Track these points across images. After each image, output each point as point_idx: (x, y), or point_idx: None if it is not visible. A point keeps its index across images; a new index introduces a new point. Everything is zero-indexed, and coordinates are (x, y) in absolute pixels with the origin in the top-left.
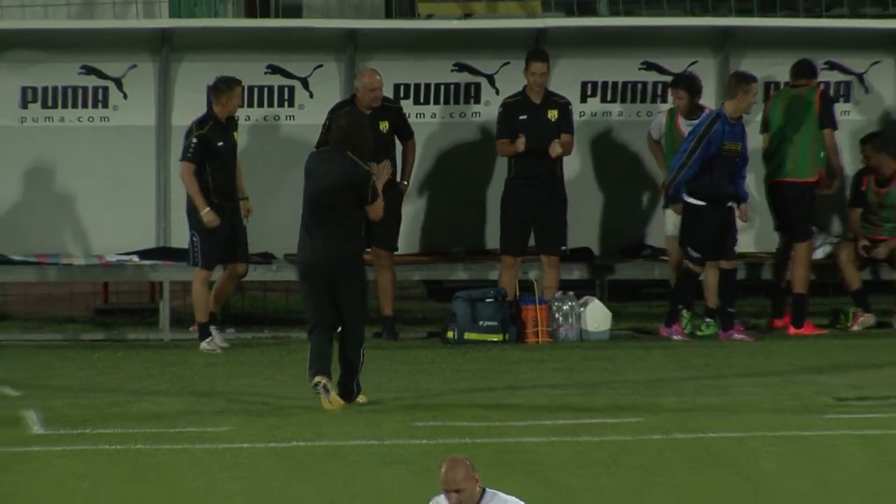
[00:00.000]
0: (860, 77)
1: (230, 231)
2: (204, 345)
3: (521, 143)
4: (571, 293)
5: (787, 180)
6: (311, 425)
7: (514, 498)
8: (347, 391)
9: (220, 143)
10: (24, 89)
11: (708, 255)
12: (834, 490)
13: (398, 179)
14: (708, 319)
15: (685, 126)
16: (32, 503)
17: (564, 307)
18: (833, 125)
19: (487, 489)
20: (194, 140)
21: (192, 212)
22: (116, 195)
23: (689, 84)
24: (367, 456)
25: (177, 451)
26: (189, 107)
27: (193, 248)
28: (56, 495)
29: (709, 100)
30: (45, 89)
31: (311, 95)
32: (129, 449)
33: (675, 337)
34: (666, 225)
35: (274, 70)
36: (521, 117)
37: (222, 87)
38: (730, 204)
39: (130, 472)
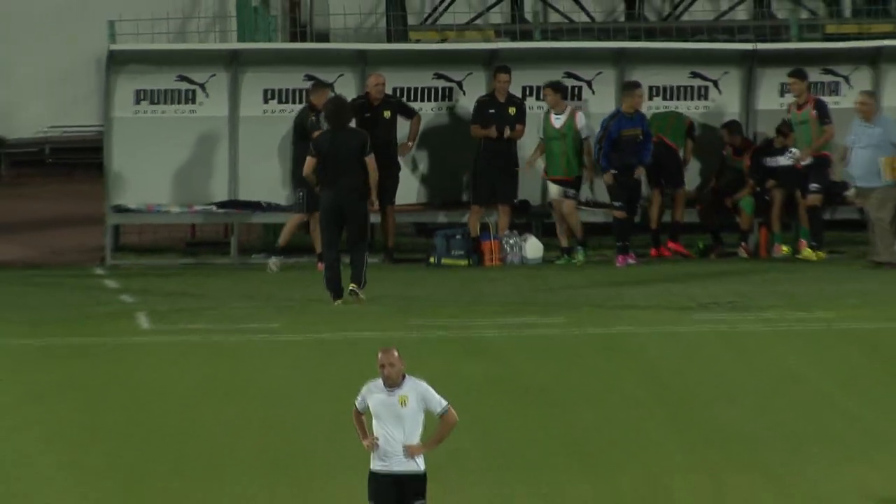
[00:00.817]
0: (715, 83)
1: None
2: (273, 259)
3: (492, 131)
4: (516, 231)
5: (672, 145)
6: (335, 322)
7: (424, 383)
8: (358, 279)
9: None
10: (136, 91)
11: (631, 209)
12: (698, 367)
13: (407, 142)
14: (579, 248)
15: (554, 117)
16: (138, 380)
17: (511, 241)
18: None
19: (408, 375)
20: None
21: (303, 180)
22: (200, 163)
23: (556, 85)
24: (375, 343)
25: (242, 342)
26: (250, 103)
27: (299, 199)
28: (156, 375)
29: (612, 100)
30: (151, 91)
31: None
32: (209, 340)
33: (630, 262)
34: (550, 192)
35: (309, 77)
36: (490, 111)
37: (317, 88)
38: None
39: (209, 357)
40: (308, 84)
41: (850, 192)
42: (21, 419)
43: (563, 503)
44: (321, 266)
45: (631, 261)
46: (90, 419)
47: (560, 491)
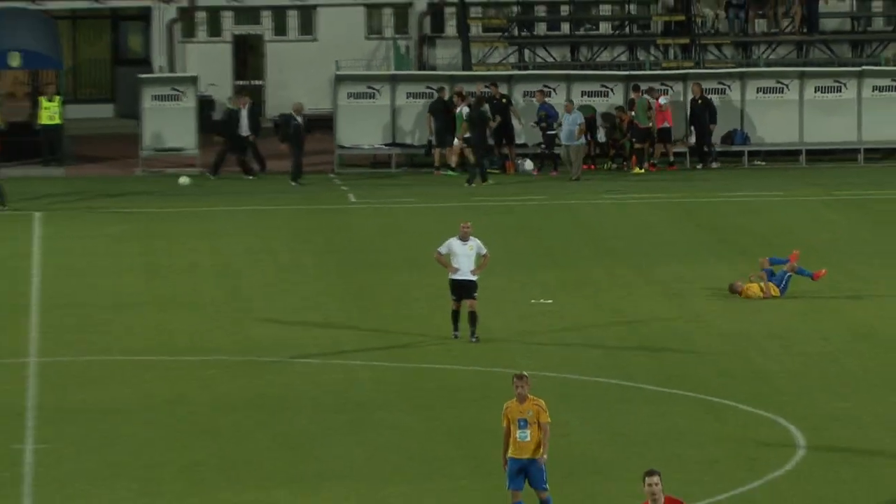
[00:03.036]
0: (612, 89)
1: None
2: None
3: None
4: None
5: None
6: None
7: (479, 240)
8: (483, 176)
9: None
10: (348, 92)
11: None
12: (599, 228)
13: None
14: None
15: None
16: (348, 235)
17: (518, 161)
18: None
19: (471, 237)
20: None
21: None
22: (384, 124)
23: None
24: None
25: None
26: (401, 97)
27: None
28: (363, 224)
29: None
30: (356, 93)
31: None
32: (388, 207)
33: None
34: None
35: (437, 88)
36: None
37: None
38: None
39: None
40: (434, 90)
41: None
42: (305, 243)
43: None
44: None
45: (554, 173)
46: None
47: None
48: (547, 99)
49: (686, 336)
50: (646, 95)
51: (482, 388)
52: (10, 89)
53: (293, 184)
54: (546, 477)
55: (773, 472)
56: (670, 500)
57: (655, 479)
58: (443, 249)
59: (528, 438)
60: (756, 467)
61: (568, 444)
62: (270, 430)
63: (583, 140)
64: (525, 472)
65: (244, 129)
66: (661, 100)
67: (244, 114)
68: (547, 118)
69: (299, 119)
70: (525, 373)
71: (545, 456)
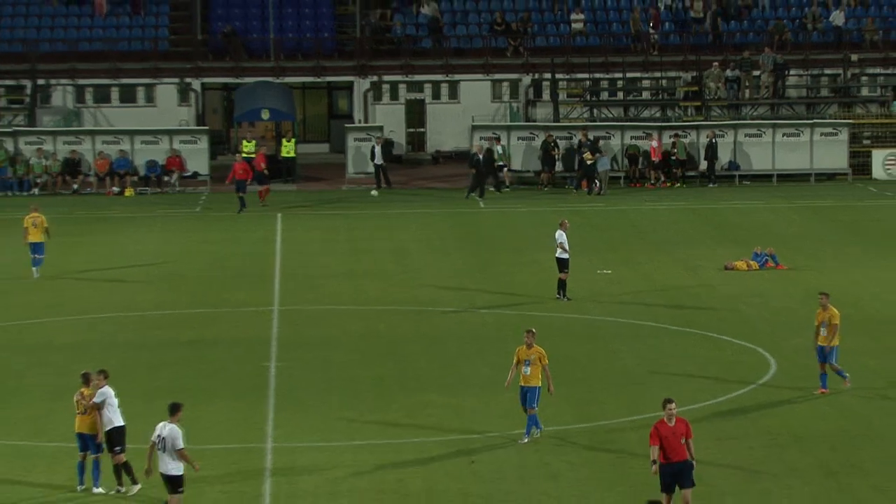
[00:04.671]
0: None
1: None
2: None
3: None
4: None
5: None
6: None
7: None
8: (482, 192)
9: None
10: (472, 129)
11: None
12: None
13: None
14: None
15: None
16: (478, 229)
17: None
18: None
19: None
20: None
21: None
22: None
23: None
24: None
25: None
26: (514, 138)
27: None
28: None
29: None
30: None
31: None
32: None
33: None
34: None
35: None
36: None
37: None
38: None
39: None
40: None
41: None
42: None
43: None
44: None
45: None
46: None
47: None
48: (602, 142)
49: (697, 295)
50: (681, 139)
51: (566, 327)
52: (262, 133)
53: (475, 197)
54: (537, 401)
55: (755, 382)
56: (680, 420)
57: (673, 405)
58: (557, 237)
59: (530, 373)
60: (743, 379)
61: (620, 365)
62: (428, 354)
63: (607, 167)
64: (525, 394)
65: (378, 158)
66: (654, 143)
67: (378, 150)
68: (589, 148)
69: (480, 156)
70: (533, 329)
71: (552, 389)
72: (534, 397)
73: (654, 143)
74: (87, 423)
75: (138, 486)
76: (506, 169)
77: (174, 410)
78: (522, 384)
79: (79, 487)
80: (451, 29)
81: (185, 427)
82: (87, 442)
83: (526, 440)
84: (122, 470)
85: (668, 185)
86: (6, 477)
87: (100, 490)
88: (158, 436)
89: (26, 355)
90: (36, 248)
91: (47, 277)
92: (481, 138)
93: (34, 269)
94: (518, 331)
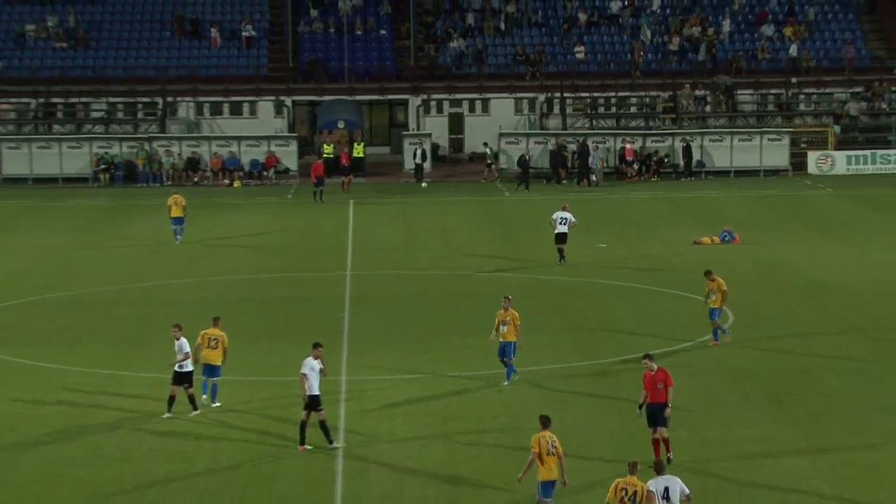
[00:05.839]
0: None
1: None
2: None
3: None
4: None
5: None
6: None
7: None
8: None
9: None
10: (500, 134)
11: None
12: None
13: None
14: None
15: None
16: (504, 213)
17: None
18: None
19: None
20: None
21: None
22: (518, 155)
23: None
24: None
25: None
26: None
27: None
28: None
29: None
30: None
31: None
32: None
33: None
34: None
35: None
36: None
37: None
38: None
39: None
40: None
41: None
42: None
43: None
44: None
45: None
46: None
47: None
48: (599, 145)
49: (672, 263)
50: (681, 143)
51: (572, 287)
52: (339, 139)
53: (523, 188)
54: (513, 353)
55: (718, 329)
56: (661, 370)
57: (647, 360)
58: (553, 217)
59: (507, 331)
60: (707, 331)
61: (613, 316)
62: (467, 308)
63: (596, 165)
64: (503, 348)
65: (418, 158)
66: (628, 145)
67: (419, 152)
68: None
69: (528, 157)
70: (510, 296)
71: (521, 341)
72: (510, 350)
73: (629, 146)
74: (212, 355)
75: (197, 412)
76: (493, 166)
77: (315, 346)
78: (501, 340)
79: (202, 397)
80: (485, 59)
81: (281, 361)
82: (213, 370)
83: (507, 383)
84: (190, 399)
85: (647, 177)
86: (145, 395)
87: (217, 404)
88: (311, 369)
89: (163, 307)
90: (177, 221)
91: (183, 244)
92: (507, 142)
93: (177, 238)
94: (533, 291)
